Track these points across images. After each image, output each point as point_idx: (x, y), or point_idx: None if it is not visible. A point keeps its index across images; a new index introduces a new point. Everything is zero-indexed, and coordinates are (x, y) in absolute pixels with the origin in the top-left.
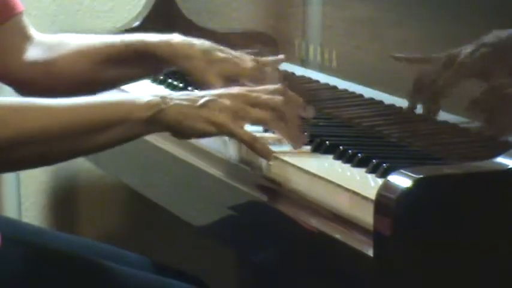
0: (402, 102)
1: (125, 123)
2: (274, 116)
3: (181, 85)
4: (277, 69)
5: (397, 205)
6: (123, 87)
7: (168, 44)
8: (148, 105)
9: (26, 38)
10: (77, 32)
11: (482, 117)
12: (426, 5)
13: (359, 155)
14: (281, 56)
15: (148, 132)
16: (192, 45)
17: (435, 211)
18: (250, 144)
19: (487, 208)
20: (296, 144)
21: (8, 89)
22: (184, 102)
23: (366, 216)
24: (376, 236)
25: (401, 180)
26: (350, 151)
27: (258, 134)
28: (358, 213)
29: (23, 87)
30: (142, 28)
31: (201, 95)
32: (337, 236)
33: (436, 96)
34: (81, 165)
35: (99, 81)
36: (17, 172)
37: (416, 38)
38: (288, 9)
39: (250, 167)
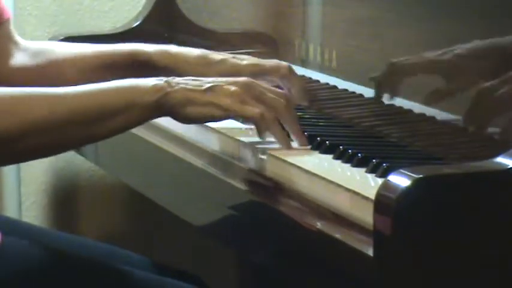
0: (402, 102)
1: (133, 108)
2: (272, 116)
3: None
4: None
5: (397, 205)
6: None
7: (167, 52)
8: (155, 88)
9: (13, 44)
10: (77, 32)
11: (482, 118)
12: (426, 5)
13: (359, 155)
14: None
15: (154, 116)
16: (189, 52)
17: (435, 211)
18: (258, 121)
19: (487, 208)
20: (287, 147)
21: None
22: (190, 87)
23: (366, 216)
24: (376, 235)
25: (401, 180)
26: (350, 151)
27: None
28: (358, 213)
29: None
30: (142, 28)
31: (207, 81)
32: (337, 235)
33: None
34: (82, 165)
35: None
36: (18, 171)
37: (416, 38)
38: (288, 9)
39: (250, 166)
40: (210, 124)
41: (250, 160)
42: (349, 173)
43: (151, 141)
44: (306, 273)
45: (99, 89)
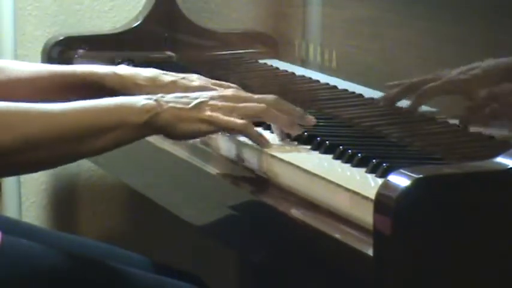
0: (402, 102)
1: (123, 127)
2: (264, 108)
3: None
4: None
5: (397, 205)
6: None
7: (116, 74)
8: (145, 108)
9: None
10: (77, 32)
11: (482, 118)
12: (426, 5)
13: (359, 154)
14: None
15: (144, 135)
16: (138, 74)
17: (435, 211)
18: (244, 130)
19: (486, 208)
20: (282, 135)
21: None
22: (178, 105)
23: (366, 215)
24: (375, 235)
25: (401, 180)
26: (350, 151)
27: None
28: (358, 212)
29: None
30: (142, 28)
31: (194, 97)
32: (337, 235)
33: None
34: (82, 165)
35: None
36: None
37: (416, 38)
38: (288, 9)
39: (251, 166)
40: None
41: (250, 160)
42: (349, 173)
43: (152, 141)
44: (306, 273)
45: (91, 106)
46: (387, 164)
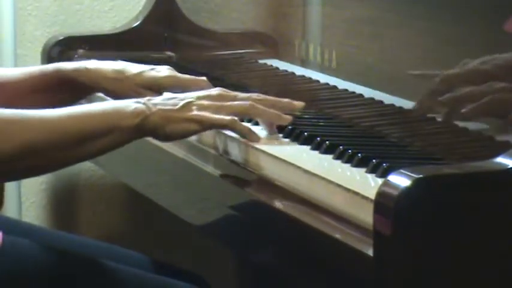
0: (402, 102)
1: (115, 132)
2: (251, 105)
3: None
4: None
5: (397, 205)
6: None
7: (85, 69)
8: (135, 113)
9: None
10: (77, 32)
11: (482, 118)
12: (426, 5)
13: (359, 154)
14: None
15: (135, 138)
16: (106, 66)
17: (435, 211)
18: (232, 126)
19: (486, 208)
20: (271, 130)
21: None
22: (166, 107)
23: (366, 216)
24: (375, 235)
25: (401, 180)
26: (350, 151)
27: None
28: (358, 213)
29: None
30: (142, 28)
31: (181, 98)
32: (337, 235)
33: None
34: (82, 165)
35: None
36: None
37: (416, 38)
38: (288, 9)
39: (251, 167)
40: None
41: (251, 161)
42: (349, 173)
43: (151, 141)
44: (306, 273)
45: (83, 112)
46: (387, 164)
